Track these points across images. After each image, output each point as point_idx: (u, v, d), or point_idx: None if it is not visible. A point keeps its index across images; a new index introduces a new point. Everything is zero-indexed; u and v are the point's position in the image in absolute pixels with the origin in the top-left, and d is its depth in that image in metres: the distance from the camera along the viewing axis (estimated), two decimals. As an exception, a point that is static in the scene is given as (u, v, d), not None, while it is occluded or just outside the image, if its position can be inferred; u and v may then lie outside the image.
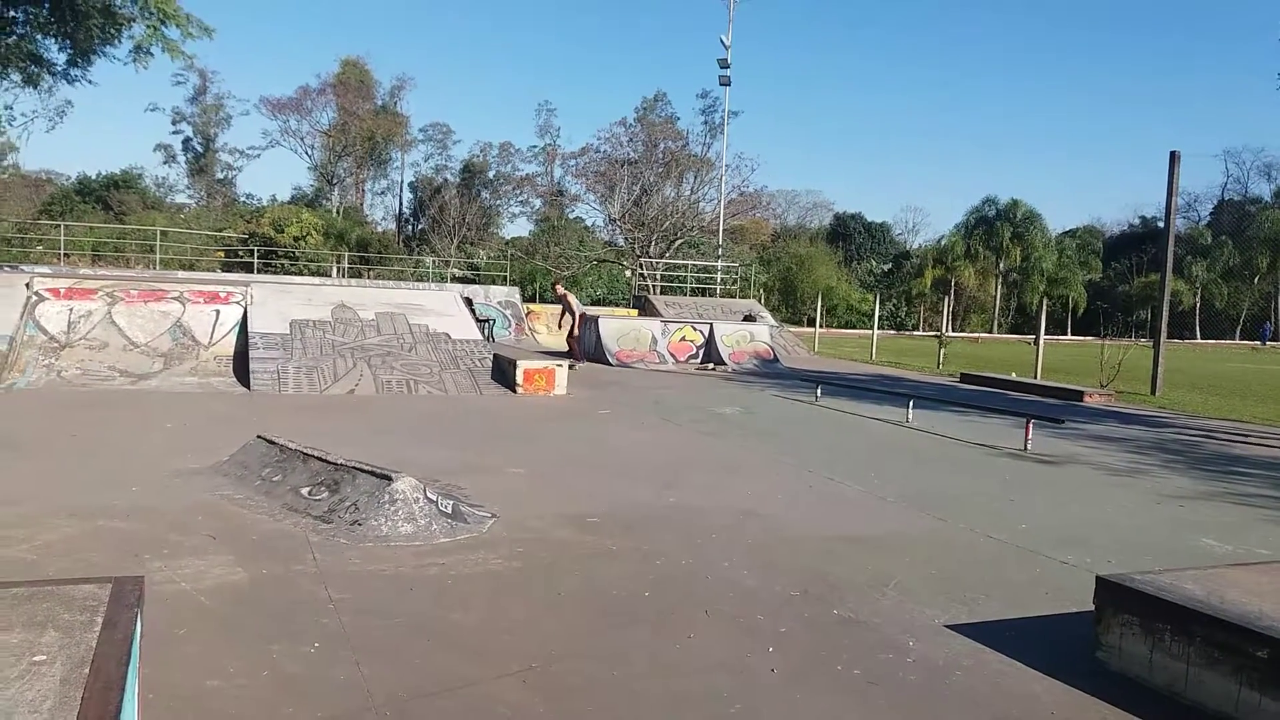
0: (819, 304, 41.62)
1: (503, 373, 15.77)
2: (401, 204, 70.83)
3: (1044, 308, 28.52)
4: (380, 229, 65.70)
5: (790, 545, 6.78)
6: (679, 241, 48.68)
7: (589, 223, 60.09)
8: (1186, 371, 29.47)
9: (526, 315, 30.57)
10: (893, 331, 57.48)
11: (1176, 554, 6.93)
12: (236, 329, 15.61)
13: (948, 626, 5.23)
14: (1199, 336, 65.90)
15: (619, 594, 5.50)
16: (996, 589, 5.96)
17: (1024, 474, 10.32)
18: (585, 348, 21.88)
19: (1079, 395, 18.81)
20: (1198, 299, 68.58)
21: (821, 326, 43.05)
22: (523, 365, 15.53)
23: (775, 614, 5.31)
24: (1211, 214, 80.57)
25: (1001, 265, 67.61)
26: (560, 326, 22.81)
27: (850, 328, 56.46)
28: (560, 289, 22.16)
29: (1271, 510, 9.07)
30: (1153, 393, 21.20)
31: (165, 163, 68.30)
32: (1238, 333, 69.73)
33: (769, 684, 4.39)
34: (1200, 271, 68.36)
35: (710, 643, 4.82)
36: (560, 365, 15.91)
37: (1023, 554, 6.89)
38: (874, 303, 39.73)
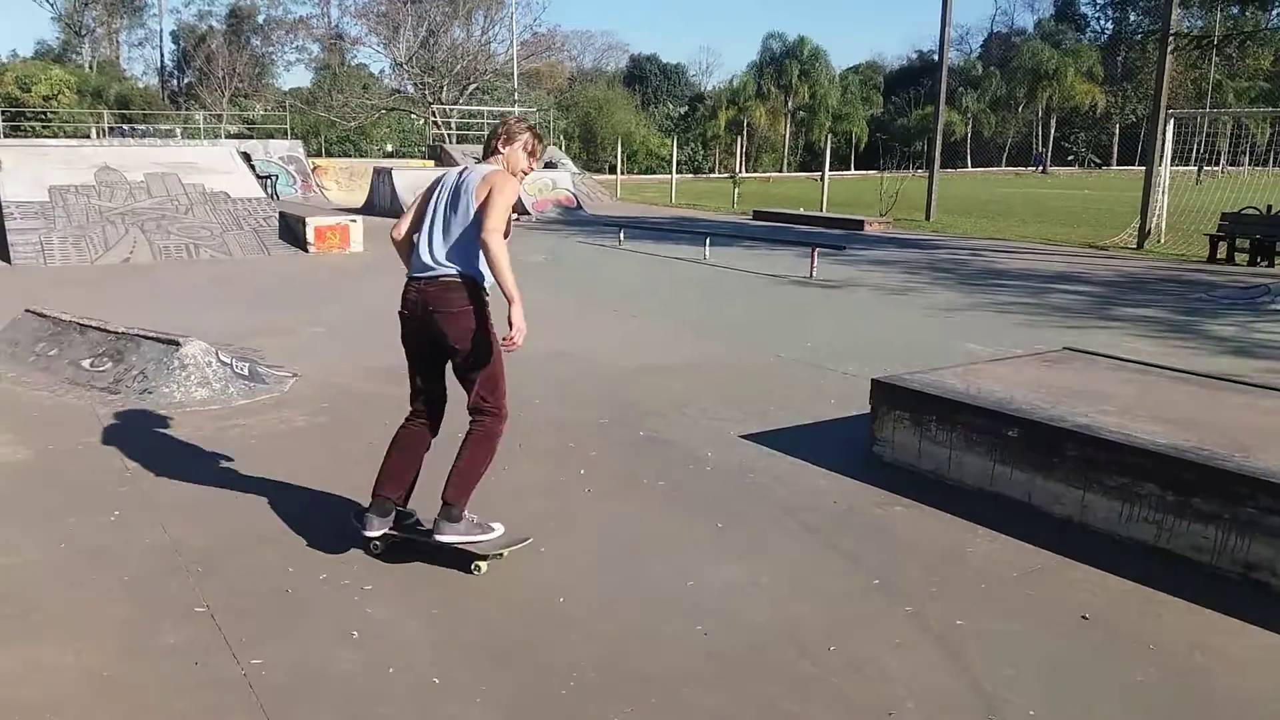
0: (619, 150, 41.47)
1: (291, 231, 15.02)
2: (164, 56, 64.19)
3: (829, 144, 29.59)
4: (142, 85, 59.56)
5: (597, 378, 7.02)
6: (472, 87, 46.79)
7: (374, 69, 56.69)
8: (958, 197, 31.54)
9: (313, 171, 28.94)
10: (690, 175, 58.20)
11: (944, 358, 7.59)
12: (-16, 199, 14.04)
13: (742, 437, 5.62)
14: (970, 165, 70.27)
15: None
16: (786, 401, 6.42)
17: (810, 298, 10.97)
18: (379, 202, 21.01)
19: (860, 225, 19.89)
20: (969, 129, 72.72)
21: (622, 173, 43.01)
22: (313, 222, 14.84)
23: (586, 441, 5.54)
24: (982, 46, 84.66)
25: (790, 104, 69.11)
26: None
27: (650, 173, 56.67)
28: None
29: (1024, 315, 10.08)
30: (927, 218, 22.68)
31: None
32: (1004, 160, 74.78)
33: (583, 500, 4.63)
34: (971, 102, 72.19)
35: (525, 472, 4.99)
36: (355, 221, 15.30)
37: (809, 369, 7.41)
38: (672, 147, 39.99)
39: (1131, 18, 76.17)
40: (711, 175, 58.75)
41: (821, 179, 26.46)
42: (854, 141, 69.05)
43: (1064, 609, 3.60)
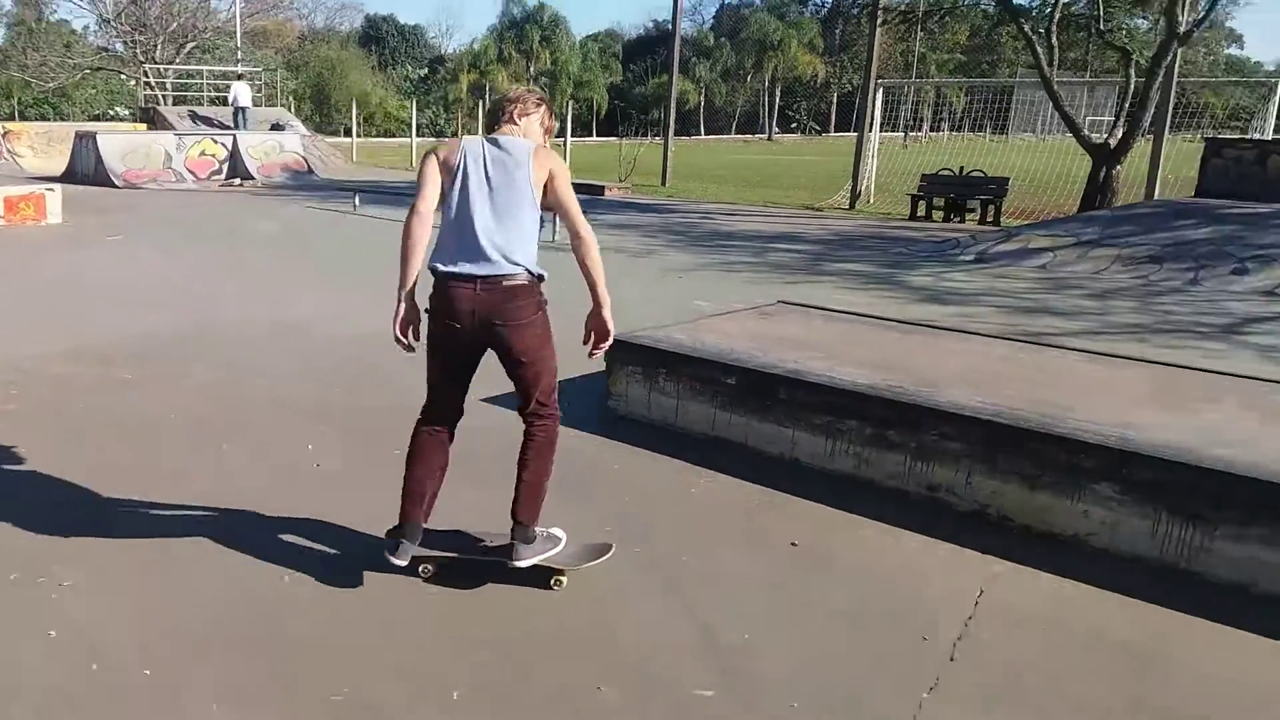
0: (354, 112, 39.79)
1: (-27, 203, 13.34)
2: None
3: (570, 110, 29.83)
4: None
5: (326, 349, 6.77)
6: (190, 45, 43.20)
7: (78, 26, 50.93)
8: (692, 164, 32.73)
9: (4, 136, 25.78)
10: (433, 139, 56.87)
11: (677, 315, 7.90)
12: None
13: (482, 400, 5.61)
14: (704, 132, 73.11)
15: (140, 421, 5.17)
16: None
17: (549, 262, 11.03)
18: (82, 169, 19.08)
19: (602, 190, 20.28)
20: (702, 98, 75.54)
21: (359, 135, 41.32)
22: (2, 193, 13.25)
23: (313, 416, 5.35)
24: (714, 17, 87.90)
25: (533, 69, 68.96)
26: None
27: (390, 136, 54.84)
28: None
29: (749, 273, 10.69)
30: (664, 184, 23.44)
31: None
32: (733, 128, 78.31)
33: (312, 477, 4.47)
34: (704, 72, 74.97)
35: (246, 452, 4.75)
36: (52, 190, 13.79)
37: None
38: (411, 110, 38.90)
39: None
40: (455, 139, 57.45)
41: (564, 145, 26.63)
42: (595, 108, 69.93)
43: (777, 538, 3.90)
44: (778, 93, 76.49)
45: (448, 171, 3.24)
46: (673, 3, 24.90)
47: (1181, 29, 15.18)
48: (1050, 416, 4.15)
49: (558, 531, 3.49)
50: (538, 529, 3.41)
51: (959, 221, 16.86)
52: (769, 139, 69.16)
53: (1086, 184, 16.12)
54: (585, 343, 3.42)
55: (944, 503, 4.23)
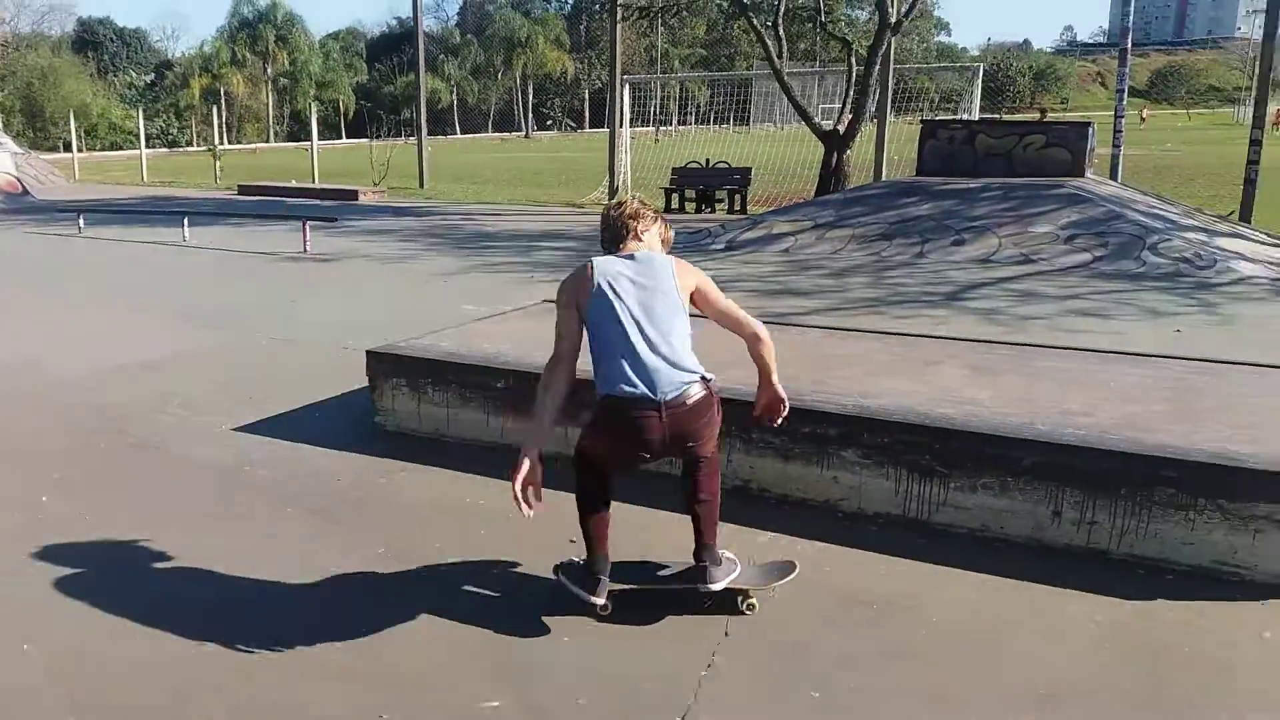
0: (73, 125, 36.38)
1: None
2: None
3: (314, 112, 28.65)
4: None
5: (70, 386, 6.21)
6: None
7: None
8: (450, 164, 32.33)
9: None
10: (166, 150, 53.00)
11: (443, 322, 7.78)
12: None
13: (235, 429, 5.34)
14: (459, 131, 72.27)
15: None
16: (282, 386, 6.19)
17: (304, 275, 10.62)
18: None
19: (354, 195, 19.61)
20: (454, 96, 74.60)
21: (81, 150, 37.88)
22: None
23: (60, 455, 4.90)
24: (459, 14, 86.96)
25: (270, 71, 65.64)
26: None
27: (117, 149, 50.63)
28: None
29: (515, 273, 10.70)
30: (421, 186, 23.00)
31: None
32: (489, 126, 77.90)
33: (52, 518, 4.08)
34: (454, 70, 74.09)
35: (-33, 509, 4.28)
36: None
37: (306, 348, 7.21)
38: (139, 119, 36.06)
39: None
40: (190, 149, 53.97)
41: (310, 149, 25.56)
42: (342, 110, 67.58)
43: (557, 536, 3.94)
44: (530, 90, 76.78)
45: (585, 296, 3.13)
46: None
47: (893, 19, 16.52)
48: (797, 392, 4.43)
49: (731, 554, 3.40)
50: (721, 551, 3.34)
51: (710, 211, 17.60)
52: (526, 136, 69.36)
53: (821, 169, 17.24)
54: (756, 416, 3.46)
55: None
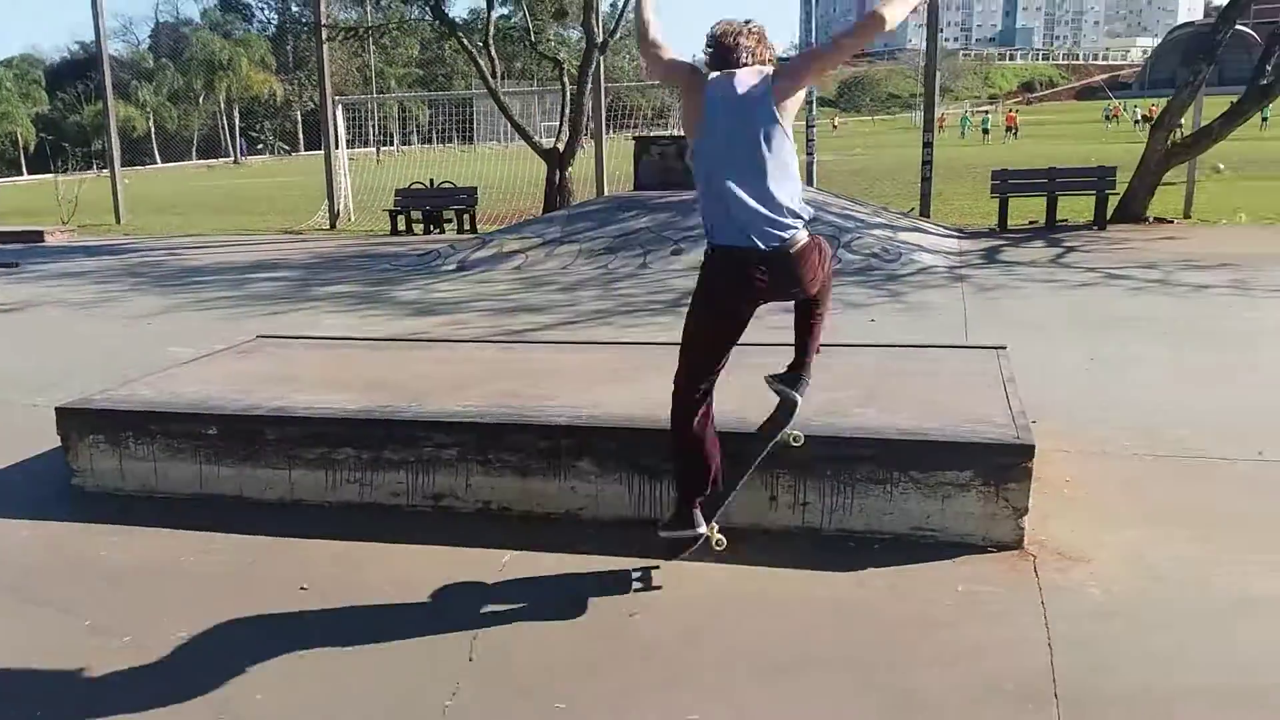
0: None
1: None
2: None
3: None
4: None
5: None
6: None
7: None
8: (151, 196, 29.91)
9: None
10: None
11: (148, 366, 7.14)
12: None
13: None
14: (160, 160, 67.08)
15: None
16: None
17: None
18: None
19: (40, 236, 17.67)
20: (151, 124, 69.16)
21: None
22: None
23: None
24: (151, 37, 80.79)
25: (-76, 101, 58.06)
26: None
27: None
28: None
29: (226, 309, 10.06)
30: (117, 221, 21.13)
31: None
32: (194, 153, 72.83)
33: None
34: (148, 96, 68.66)
35: None
36: None
37: (-13, 409, 6.42)
38: None
39: (294, 8, 79.62)
40: None
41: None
42: (20, 143, 61.10)
43: (285, 587, 3.74)
44: (237, 114, 72.61)
45: (705, 116, 3.23)
46: (94, 22, 22.32)
47: (599, 39, 17.03)
48: (531, 408, 4.47)
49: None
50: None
51: (439, 233, 17.36)
52: (235, 162, 65.50)
53: (545, 186, 17.47)
54: None
55: (450, 509, 4.36)
